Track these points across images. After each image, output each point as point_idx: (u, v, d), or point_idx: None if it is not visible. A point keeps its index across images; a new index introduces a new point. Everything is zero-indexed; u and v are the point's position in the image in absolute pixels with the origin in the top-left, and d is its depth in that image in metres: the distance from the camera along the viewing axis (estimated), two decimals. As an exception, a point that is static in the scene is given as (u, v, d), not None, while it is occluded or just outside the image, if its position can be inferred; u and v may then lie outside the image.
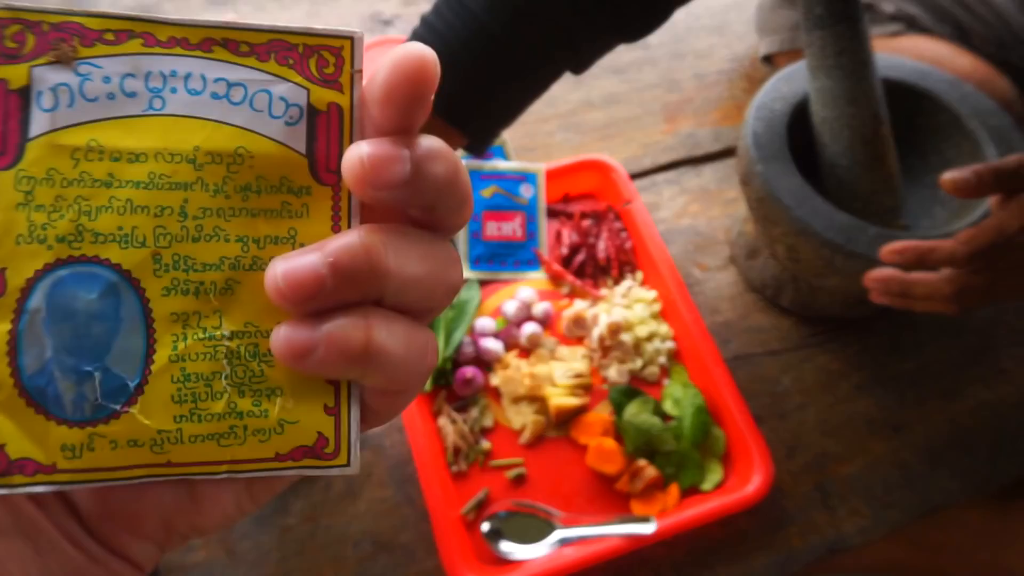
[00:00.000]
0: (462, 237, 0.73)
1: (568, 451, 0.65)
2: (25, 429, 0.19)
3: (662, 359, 0.69)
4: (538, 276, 0.74)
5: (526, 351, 0.69)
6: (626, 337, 0.68)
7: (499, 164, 0.76)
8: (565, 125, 0.84)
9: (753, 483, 0.61)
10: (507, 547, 0.59)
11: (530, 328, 0.69)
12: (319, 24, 0.22)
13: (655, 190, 0.81)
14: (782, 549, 0.62)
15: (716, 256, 0.76)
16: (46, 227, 0.19)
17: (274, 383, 0.21)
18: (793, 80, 0.67)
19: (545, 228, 0.75)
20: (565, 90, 0.87)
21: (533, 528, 0.60)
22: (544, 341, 0.70)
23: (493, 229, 0.74)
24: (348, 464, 0.22)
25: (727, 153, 0.83)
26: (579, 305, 0.71)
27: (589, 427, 0.65)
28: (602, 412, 0.66)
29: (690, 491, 0.63)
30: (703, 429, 0.64)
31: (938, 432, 0.67)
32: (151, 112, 0.20)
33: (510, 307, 0.70)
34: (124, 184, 0.20)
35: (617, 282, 0.73)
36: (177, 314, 0.20)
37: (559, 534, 0.59)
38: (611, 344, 0.69)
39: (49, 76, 0.19)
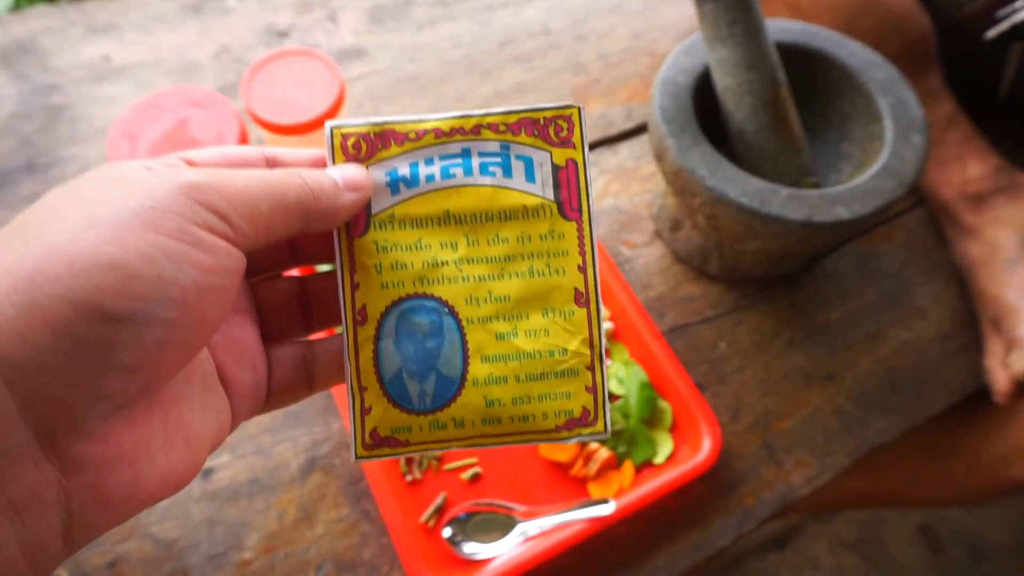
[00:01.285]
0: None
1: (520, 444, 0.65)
2: (390, 417, 0.28)
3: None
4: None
5: (466, 351, 0.69)
6: (563, 323, 0.69)
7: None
8: (478, 119, 0.84)
9: (703, 451, 0.62)
10: (471, 548, 0.59)
11: (468, 327, 0.69)
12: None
13: (575, 174, 0.81)
14: (736, 509, 0.63)
15: (642, 232, 0.78)
16: (394, 271, 0.27)
17: (547, 371, 0.28)
18: (693, 53, 0.68)
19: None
20: (473, 84, 0.87)
21: (495, 526, 0.60)
22: (483, 338, 0.69)
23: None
24: (605, 431, 0.29)
25: (640, 130, 0.85)
26: (514, 298, 0.71)
27: (538, 417, 0.65)
28: (549, 401, 0.67)
29: (644, 466, 0.64)
30: (649, 404, 0.65)
31: (867, 375, 0.70)
32: (448, 184, 0.27)
33: (445, 309, 0.70)
34: (448, 242, 0.28)
35: (548, 270, 0.74)
36: (481, 329, 0.28)
37: (521, 528, 0.60)
38: (550, 332, 0.69)
39: (379, 170, 0.28)
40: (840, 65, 0.67)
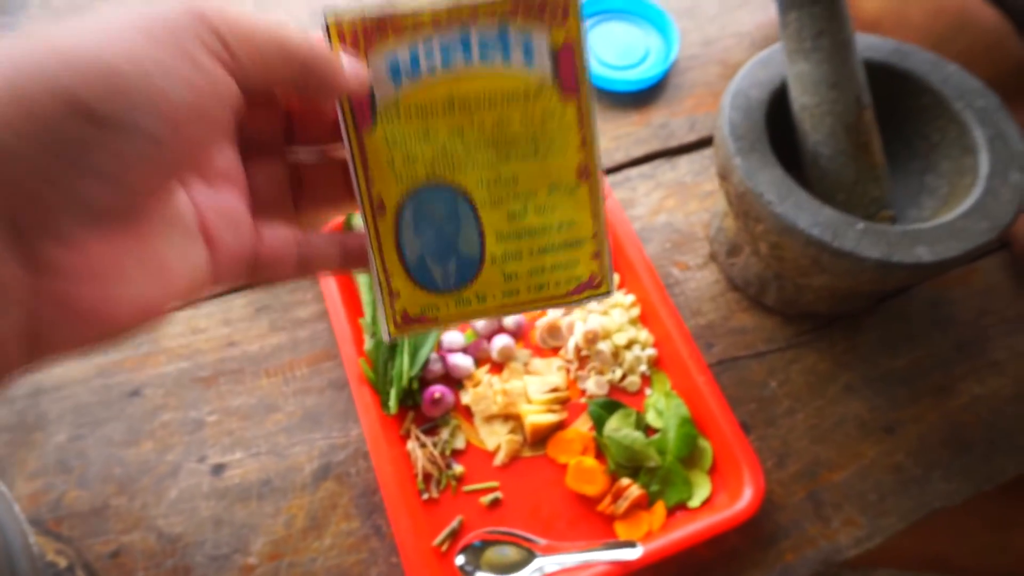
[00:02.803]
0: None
1: (546, 471, 0.61)
2: (417, 298, 0.30)
3: (643, 367, 0.65)
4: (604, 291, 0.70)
5: (498, 366, 0.65)
6: (604, 346, 0.64)
7: None
8: (531, 120, 0.80)
9: (744, 498, 0.57)
10: (484, 581, 0.55)
11: (501, 341, 0.65)
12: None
13: (629, 185, 0.76)
14: (775, 565, 0.58)
15: (695, 254, 0.73)
16: (407, 164, 0.28)
17: (559, 240, 0.30)
18: (770, 65, 0.63)
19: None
20: (530, 82, 0.82)
21: (511, 558, 0.56)
22: (517, 354, 0.65)
23: (458, 235, 0.69)
24: (609, 291, 0.33)
25: (703, 143, 0.79)
26: (553, 313, 0.67)
27: (567, 445, 0.61)
28: (581, 428, 0.62)
29: (677, 508, 0.59)
30: (688, 442, 0.60)
31: (932, 431, 0.64)
32: (451, 70, 0.27)
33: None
34: (455, 129, 0.28)
35: (592, 286, 0.69)
36: (494, 210, 0.29)
37: (539, 563, 0.55)
38: (588, 354, 0.65)
39: (380, 59, 0.26)
40: (933, 90, 0.61)
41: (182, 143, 0.21)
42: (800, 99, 0.60)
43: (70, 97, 0.18)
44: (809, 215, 0.54)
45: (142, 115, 0.19)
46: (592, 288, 0.32)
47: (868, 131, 0.59)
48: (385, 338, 0.32)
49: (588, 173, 0.30)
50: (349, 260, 0.30)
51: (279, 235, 0.28)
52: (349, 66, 0.26)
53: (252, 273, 0.27)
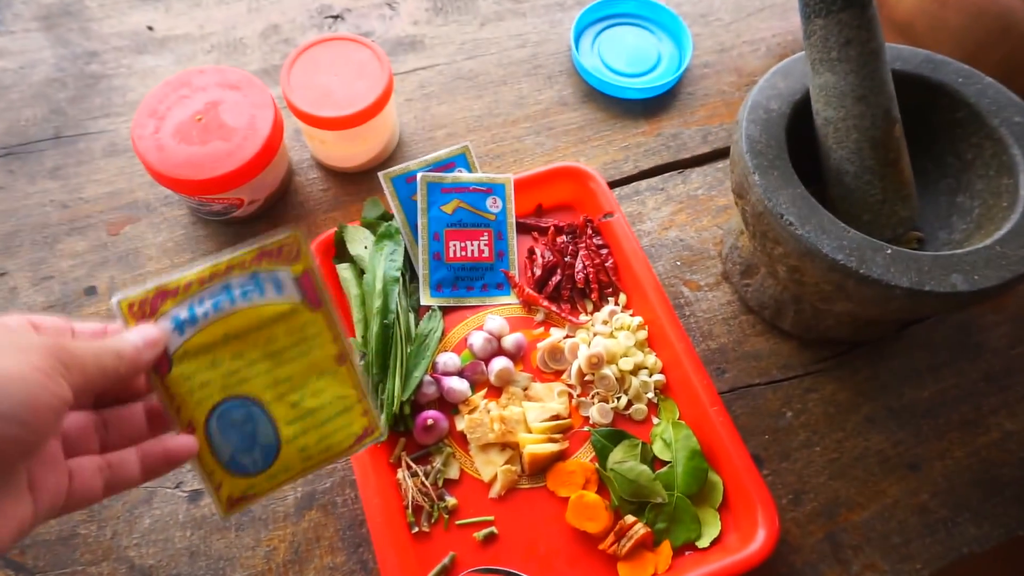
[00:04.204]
0: (421, 259, 0.64)
1: (545, 505, 0.57)
2: (237, 484, 0.37)
3: (650, 395, 0.61)
4: (509, 302, 0.66)
5: (496, 390, 0.61)
6: (609, 371, 0.60)
7: (462, 175, 0.67)
8: (535, 128, 0.76)
9: (757, 540, 0.53)
10: (475, 626, 0.51)
11: (500, 363, 0.61)
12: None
13: (638, 199, 0.72)
14: (791, 614, 0.54)
15: (707, 273, 0.69)
16: (204, 391, 0.35)
17: (333, 411, 0.39)
18: (791, 75, 0.59)
19: (516, 246, 0.67)
20: (535, 88, 0.79)
21: (506, 600, 0.52)
22: (516, 378, 0.61)
23: (456, 249, 0.65)
24: (382, 435, 0.41)
25: (716, 155, 0.75)
26: (555, 335, 0.63)
27: (568, 477, 0.57)
28: (583, 459, 0.58)
29: (685, 548, 0.55)
30: (698, 476, 0.56)
31: (960, 470, 0.60)
32: (221, 313, 0.35)
33: (477, 339, 0.62)
34: (235, 353, 0.36)
35: (597, 307, 0.65)
36: (279, 404, 0.37)
37: (536, 607, 0.51)
38: (592, 379, 0.61)
39: (166, 321, 0.34)
40: (967, 104, 0.57)
41: (40, 426, 0.28)
42: (824, 112, 0.56)
43: None
44: (833, 238, 0.50)
45: (20, 408, 0.28)
46: (368, 435, 0.41)
47: (897, 147, 0.55)
48: (219, 517, 0.42)
49: (344, 358, 0.39)
50: (148, 471, 0.35)
51: (85, 466, 0.34)
52: (144, 343, 0.34)
53: (65, 507, 0.33)
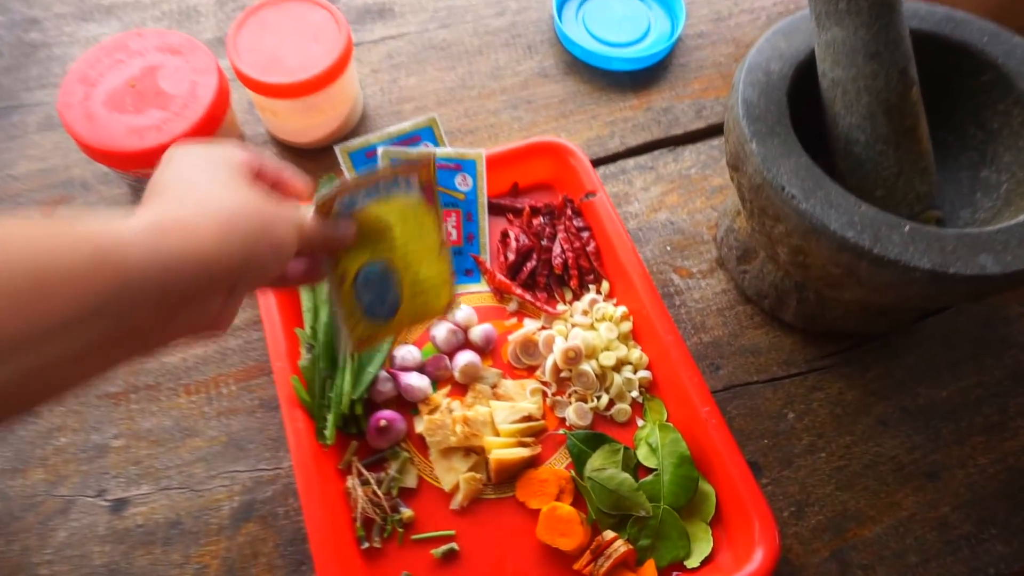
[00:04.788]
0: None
1: (513, 519, 0.50)
2: (364, 327, 0.46)
3: (634, 393, 0.54)
4: (478, 289, 0.59)
5: (461, 388, 0.55)
6: (588, 366, 0.54)
7: (428, 150, 0.60)
8: (513, 101, 0.69)
9: (754, 560, 0.46)
10: (428, 660, 0.44)
11: (465, 358, 0.54)
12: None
13: (624, 178, 0.66)
14: (792, 645, 0.47)
15: (700, 259, 0.62)
16: (357, 251, 0.44)
17: (434, 283, 0.48)
18: (793, 35, 0.52)
19: (487, 229, 0.60)
20: (513, 58, 0.72)
21: (465, 629, 0.46)
22: (484, 374, 0.55)
23: (420, 231, 0.59)
24: (454, 304, 0.50)
25: (711, 132, 0.69)
26: (529, 326, 0.57)
27: (540, 486, 0.50)
28: (557, 466, 0.52)
29: (671, 568, 0.48)
30: (687, 486, 0.50)
31: (984, 479, 0.53)
32: (374, 199, 0.44)
33: (440, 331, 0.55)
34: (380, 228, 0.45)
35: (577, 295, 0.58)
36: (405, 272, 0.46)
37: (499, 637, 0.45)
38: (569, 376, 0.54)
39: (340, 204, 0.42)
40: (994, 65, 0.50)
41: (282, 265, 0.36)
42: (831, 73, 0.49)
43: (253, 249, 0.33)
44: (842, 213, 0.43)
45: (283, 249, 0.35)
46: (452, 306, 0.49)
47: (914, 112, 0.48)
48: (346, 351, 0.49)
49: (443, 246, 0.48)
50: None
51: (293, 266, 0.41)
52: (342, 231, 0.41)
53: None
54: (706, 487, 0.50)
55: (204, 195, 0.32)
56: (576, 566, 0.48)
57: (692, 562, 0.48)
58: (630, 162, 0.67)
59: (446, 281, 0.48)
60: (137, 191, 0.63)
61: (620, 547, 0.47)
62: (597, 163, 0.66)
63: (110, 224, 0.28)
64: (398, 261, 0.46)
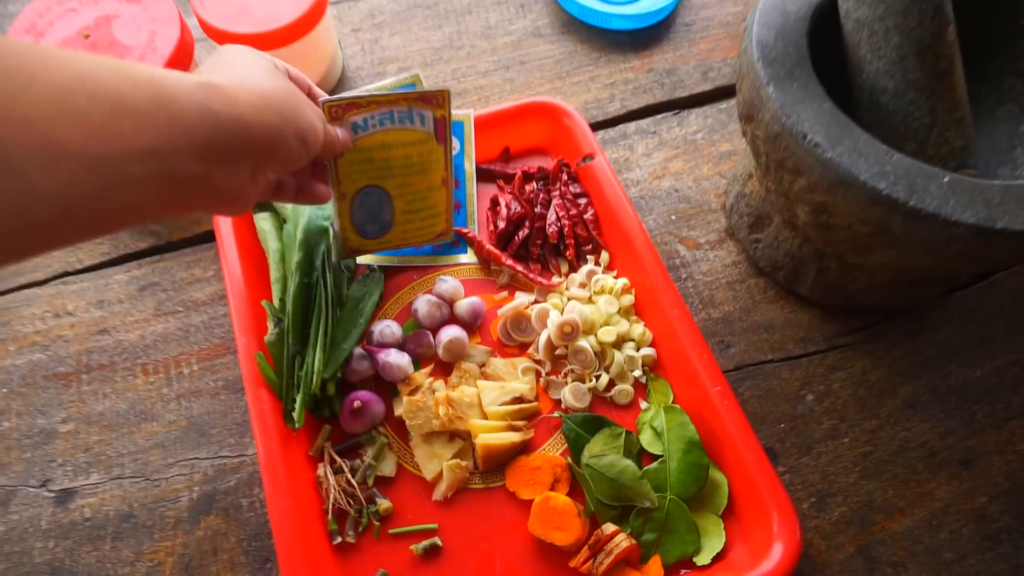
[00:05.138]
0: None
1: (502, 511, 0.45)
2: (358, 241, 0.50)
3: (637, 373, 0.49)
4: (466, 261, 0.54)
5: (445, 367, 0.49)
6: (585, 343, 0.49)
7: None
8: (505, 61, 0.64)
9: (772, 556, 0.41)
10: (404, 669, 0.39)
11: (450, 333, 0.49)
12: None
13: (625, 143, 0.61)
14: (816, 651, 0.42)
15: (708, 228, 0.57)
16: (358, 175, 0.48)
17: (429, 214, 0.51)
18: (813, -27, 0.47)
19: (475, 195, 0.55)
20: (505, 17, 0.67)
21: (447, 634, 0.40)
22: (471, 352, 0.50)
23: (402, 197, 0.54)
24: (448, 233, 0.53)
25: (719, 94, 0.64)
26: (521, 299, 0.51)
27: (533, 475, 0.45)
28: (552, 452, 0.47)
29: (679, 566, 0.43)
30: (697, 474, 0.44)
31: (1024, 466, 0.48)
32: (383, 129, 0.47)
33: (423, 305, 0.50)
34: (383, 157, 0.48)
35: (574, 267, 0.53)
36: (399, 199, 0.50)
37: (485, 643, 0.40)
38: (565, 353, 0.49)
39: (349, 122, 0.46)
40: (1036, 5, 0.45)
41: (310, 154, 0.39)
42: (856, 12, 0.44)
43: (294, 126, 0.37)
44: (873, 163, 0.38)
45: (315, 140, 0.38)
46: (442, 236, 0.53)
47: (950, 55, 0.43)
48: (335, 257, 0.51)
49: (445, 182, 0.51)
50: (301, 192, 0.45)
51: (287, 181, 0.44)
52: (342, 137, 0.44)
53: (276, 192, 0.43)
54: (717, 475, 0.45)
55: (247, 74, 0.35)
56: (573, 563, 0.43)
57: (702, 559, 0.43)
58: (631, 126, 0.61)
59: (444, 212, 0.52)
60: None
61: (622, 542, 0.42)
62: (596, 127, 0.61)
63: (166, 74, 0.30)
64: (394, 189, 0.50)
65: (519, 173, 0.56)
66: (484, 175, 0.57)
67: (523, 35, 0.66)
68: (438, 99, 0.47)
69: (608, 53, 0.65)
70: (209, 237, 0.56)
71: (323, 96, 0.44)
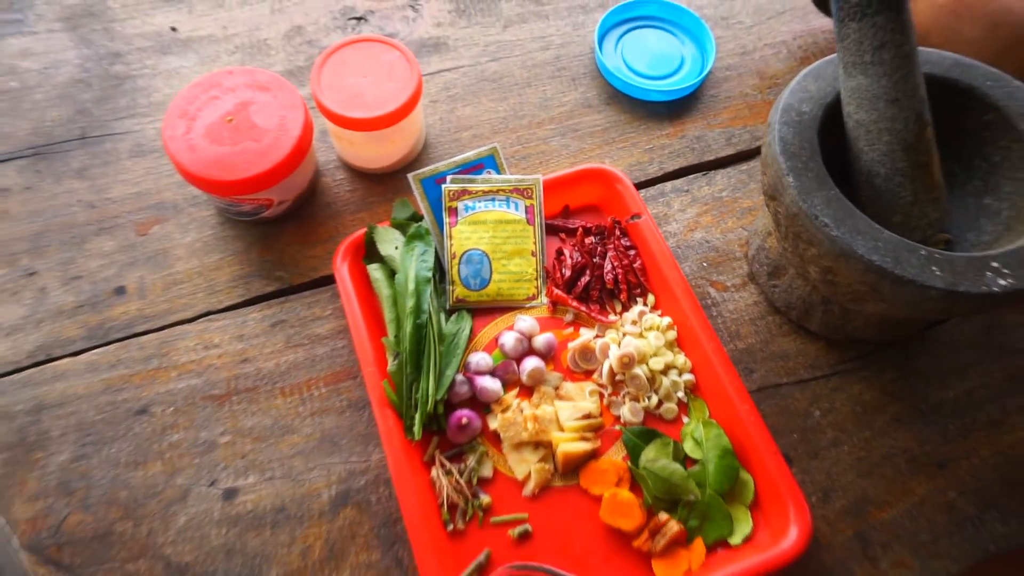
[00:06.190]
0: (446, 255, 0.65)
1: (579, 503, 0.57)
2: (462, 292, 0.65)
3: (680, 394, 0.61)
4: (536, 303, 0.66)
5: (528, 390, 0.62)
6: (639, 370, 0.61)
7: (492, 176, 0.67)
8: (561, 129, 0.77)
9: (789, 537, 0.54)
10: (514, 623, 0.52)
11: (531, 363, 0.61)
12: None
13: (663, 200, 0.73)
14: (823, 611, 0.55)
15: (733, 274, 0.69)
16: (466, 240, 0.65)
17: (521, 277, 0.66)
18: (821, 78, 0.59)
19: (544, 247, 0.68)
20: (559, 90, 0.79)
21: (543, 598, 0.53)
22: (548, 377, 0.62)
23: (486, 249, 0.66)
24: (540, 300, 0.66)
25: (740, 157, 0.76)
26: (585, 335, 0.64)
27: (601, 475, 0.58)
28: (615, 457, 0.59)
29: (717, 545, 0.56)
30: (730, 474, 0.57)
31: (986, 468, 0.60)
32: (487, 210, 0.65)
33: (508, 339, 0.62)
34: (486, 231, 0.66)
35: (627, 307, 0.66)
36: (496, 262, 0.66)
37: (573, 604, 0.52)
38: (623, 379, 0.62)
39: (462, 205, 0.66)
40: (996, 107, 0.58)
41: None
42: (856, 115, 0.57)
43: None
44: (868, 239, 0.51)
45: None
46: (532, 300, 0.66)
47: (928, 150, 0.56)
48: (447, 304, 0.64)
49: (535, 253, 0.65)
50: None
51: None
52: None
53: None
54: (745, 475, 0.58)
55: None
56: (635, 544, 0.55)
57: (735, 540, 0.56)
58: (668, 186, 0.74)
59: (532, 278, 0.65)
60: (225, 213, 0.70)
61: (673, 527, 0.55)
62: (639, 187, 0.73)
63: None
64: (493, 252, 0.64)
65: (580, 229, 0.68)
66: (549, 229, 0.69)
67: (575, 106, 0.78)
68: (528, 192, 0.66)
69: (647, 121, 0.77)
70: (324, 281, 0.68)
71: (449, 184, 0.63)
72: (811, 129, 0.57)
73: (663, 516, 0.55)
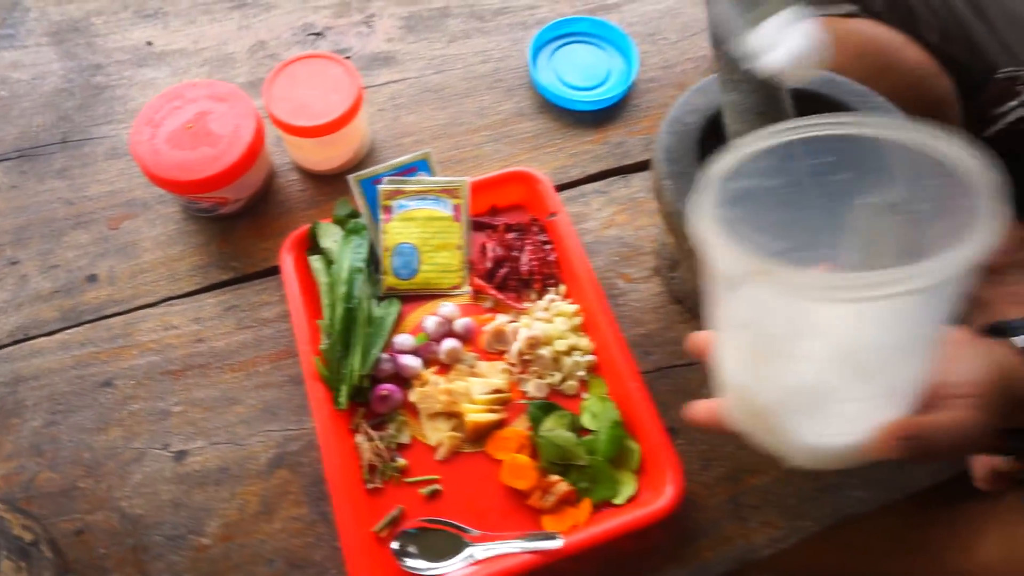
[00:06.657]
0: (380, 248, 0.73)
1: (484, 467, 0.65)
2: (392, 281, 0.73)
3: (581, 373, 0.69)
4: (460, 291, 0.74)
5: (445, 367, 0.70)
6: (545, 351, 0.69)
7: (424, 179, 0.75)
8: (494, 136, 0.84)
9: (665, 496, 0.61)
10: (415, 564, 0.59)
11: (449, 344, 0.69)
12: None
13: (583, 200, 0.81)
14: (693, 562, 0.62)
15: (641, 267, 0.77)
16: (398, 235, 0.74)
17: (447, 268, 0.74)
18: (707, 92, 0.67)
19: (469, 241, 0.75)
20: (496, 100, 0.87)
21: (444, 545, 0.61)
22: (464, 356, 0.70)
23: (415, 244, 0.74)
24: (463, 287, 0.74)
25: (656, 162, 0.83)
26: (500, 319, 0.71)
27: (504, 442, 0.65)
28: (520, 427, 0.67)
29: (603, 505, 0.63)
30: (617, 443, 0.64)
31: (853, 441, 0.67)
32: (419, 208, 0.73)
33: (430, 323, 0.70)
34: (417, 227, 0.74)
35: (540, 296, 0.73)
36: (425, 255, 0.73)
37: (469, 551, 0.60)
38: (530, 358, 0.69)
39: (395, 203, 0.75)
40: (857, 120, 0.65)
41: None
42: (732, 126, 0.64)
43: None
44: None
45: None
46: (456, 288, 0.73)
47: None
48: (381, 290, 0.73)
49: (461, 247, 0.73)
50: None
51: None
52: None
53: None
54: (633, 444, 0.65)
55: None
56: (529, 501, 0.63)
57: (619, 500, 0.63)
58: (588, 187, 0.81)
59: (457, 269, 0.73)
60: (188, 210, 0.78)
61: (562, 487, 0.62)
62: (561, 188, 0.81)
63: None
64: (422, 246, 0.72)
65: (502, 225, 0.76)
66: (475, 226, 0.77)
67: (509, 115, 0.86)
68: (456, 192, 0.73)
69: (574, 129, 0.85)
70: (274, 271, 0.76)
71: (384, 184, 0.72)
72: (692, 139, 0.64)
73: (554, 478, 0.63)
